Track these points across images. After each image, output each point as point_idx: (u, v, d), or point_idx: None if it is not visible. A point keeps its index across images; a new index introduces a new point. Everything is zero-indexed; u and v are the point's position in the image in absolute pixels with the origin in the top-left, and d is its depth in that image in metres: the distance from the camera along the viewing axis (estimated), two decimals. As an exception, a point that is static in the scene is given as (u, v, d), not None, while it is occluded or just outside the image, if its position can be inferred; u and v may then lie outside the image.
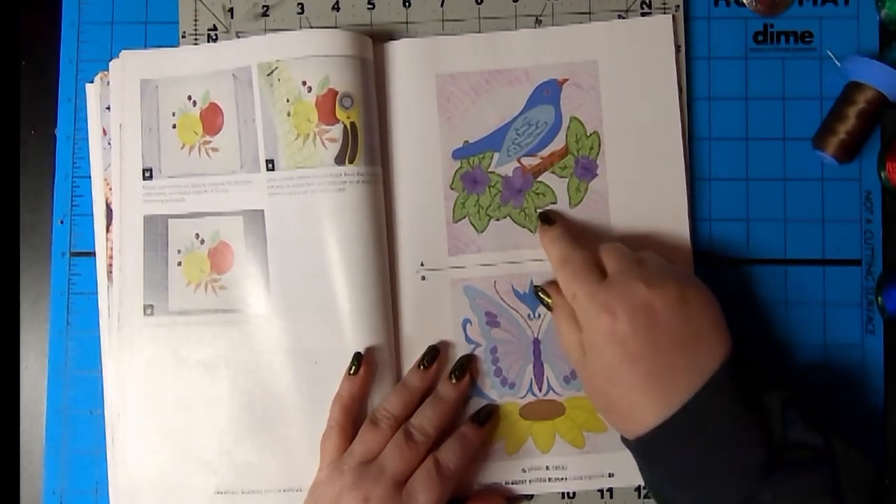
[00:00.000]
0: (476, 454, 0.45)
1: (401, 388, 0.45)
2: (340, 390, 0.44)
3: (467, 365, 0.46)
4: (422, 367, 0.45)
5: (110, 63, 0.48)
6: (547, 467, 0.45)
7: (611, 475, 0.45)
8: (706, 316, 0.39)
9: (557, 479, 0.45)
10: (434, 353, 0.45)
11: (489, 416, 0.45)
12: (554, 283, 0.44)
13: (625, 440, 0.41)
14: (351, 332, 0.45)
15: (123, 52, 0.48)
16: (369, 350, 0.45)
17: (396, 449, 0.42)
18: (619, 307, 0.38)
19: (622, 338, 0.38)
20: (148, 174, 0.47)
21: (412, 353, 0.46)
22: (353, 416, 0.44)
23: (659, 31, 0.46)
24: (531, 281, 0.46)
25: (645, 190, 0.46)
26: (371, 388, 0.45)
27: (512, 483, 0.45)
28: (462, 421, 0.45)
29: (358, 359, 0.44)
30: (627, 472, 0.45)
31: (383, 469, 0.41)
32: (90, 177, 0.49)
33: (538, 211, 0.46)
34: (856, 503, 0.36)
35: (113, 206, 0.48)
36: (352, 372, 0.44)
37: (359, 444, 0.42)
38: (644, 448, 0.39)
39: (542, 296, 0.45)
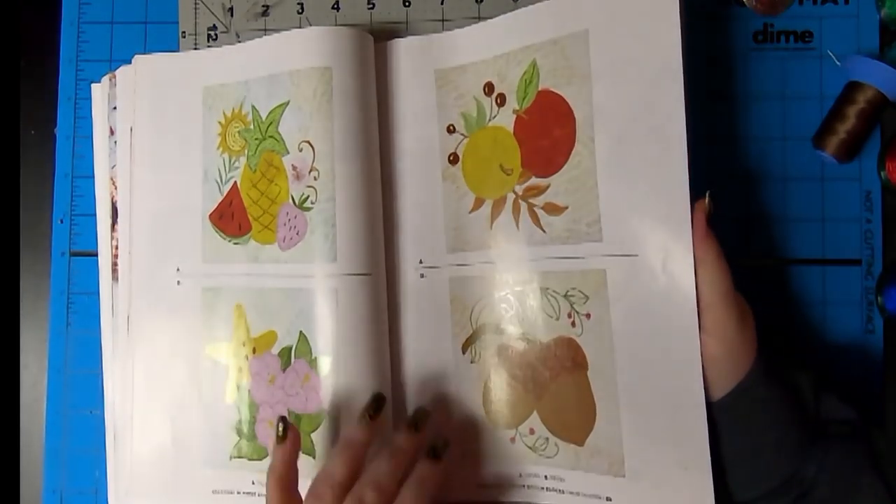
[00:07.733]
0: (440, 483, 0.40)
1: (342, 448, 0.39)
2: (273, 461, 0.40)
3: (425, 417, 0.41)
4: (368, 417, 0.40)
5: (117, 70, 0.48)
6: (546, 476, 0.43)
7: (608, 499, 0.41)
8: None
9: (554, 489, 0.43)
10: (380, 402, 0.41)
11: (423, 418, 0.41)
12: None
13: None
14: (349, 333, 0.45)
15: (136, 56, 0.48)
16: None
17: None
18: None
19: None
20: None
21: (412, 353, 0.46)
22: (289, 484, 0.40)
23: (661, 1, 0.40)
24: None
25: (640, 183, 0.40)
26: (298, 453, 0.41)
27: (509, 487, 0.44)
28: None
29: (285, 425, 0.40)
30: (624, 501, 0.41)
31: None
32: (90, 176, 0.49)
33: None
34: (893, 476, 0.38)
35: (118, 205, 0.48)
36: (279, 440, 0.40)
37: None
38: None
39: None
